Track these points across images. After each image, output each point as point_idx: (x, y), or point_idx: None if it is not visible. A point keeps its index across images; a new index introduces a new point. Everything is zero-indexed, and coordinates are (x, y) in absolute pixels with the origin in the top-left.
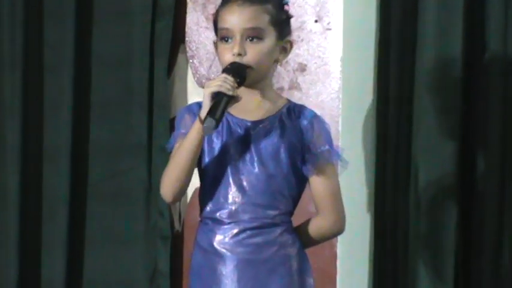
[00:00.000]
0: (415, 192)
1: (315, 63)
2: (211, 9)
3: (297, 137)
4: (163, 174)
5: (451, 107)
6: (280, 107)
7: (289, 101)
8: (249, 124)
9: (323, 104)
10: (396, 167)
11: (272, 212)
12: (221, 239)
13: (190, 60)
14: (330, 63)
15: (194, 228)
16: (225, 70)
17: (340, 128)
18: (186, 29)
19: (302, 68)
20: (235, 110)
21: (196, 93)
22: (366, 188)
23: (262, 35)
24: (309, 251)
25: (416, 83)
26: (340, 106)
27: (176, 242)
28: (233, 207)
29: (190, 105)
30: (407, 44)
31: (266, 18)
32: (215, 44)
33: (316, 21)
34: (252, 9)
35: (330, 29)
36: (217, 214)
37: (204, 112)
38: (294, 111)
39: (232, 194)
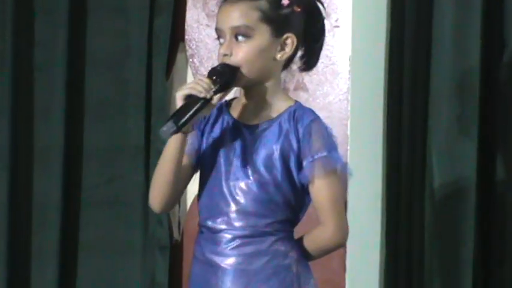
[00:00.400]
0: (430, 198)
1: (322, 62)
2: (213, 5)
3: (293, 144)
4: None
5: (469, 108)
6: (281, 110)
7: (296, 103)
8: (245, 128)
9: (331, 106)
10: (410, 173)
11: (264, 221)
12: (213, 248)
13: (190, 60)
14: (338, 62)
15: (194, 238)
16: (209, 72)
17: (349, 132)
18: (186, 27)
19: None
20: (236, 113)
21: None
22: (377, 196)
23: (250, 33)
24: (316, 262)
25: (432, 84)
26: (349, 108)
27: (175, 252)
28: (225, 215)
29: None
30: (422, 43)
31: (255, 15)
32: None
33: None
34: (240, 7)
35: (338, 26)
36: (210, 222)
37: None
38: (294, 115)
39: (225, 202)
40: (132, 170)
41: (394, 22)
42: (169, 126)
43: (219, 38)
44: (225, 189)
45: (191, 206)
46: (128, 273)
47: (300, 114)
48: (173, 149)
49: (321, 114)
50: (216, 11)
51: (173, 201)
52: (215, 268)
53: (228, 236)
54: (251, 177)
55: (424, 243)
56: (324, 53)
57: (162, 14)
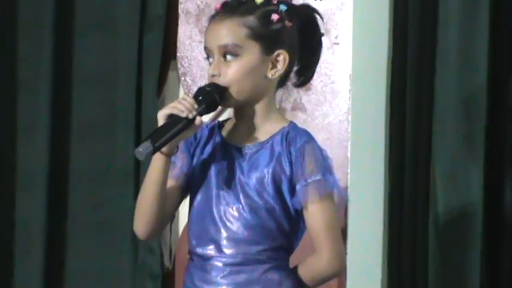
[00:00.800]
0: (434, 225)
1: (321, 81)
2: (206, 21)
3: (286, 167)
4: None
5: (475, 129)
6: (274, 132)
7: (290, 124)
8: (236, 150)
9: (330, 127)
10: (413, 198)
11: (256, 248)
12: (203, 277)
13: (182, 78)
14: (337, 81)
15: (186, 265)
16: (195, 91)
17: (349, 154)
18: (178, 43)
19: (307, 87)
20: (227, 134)
21: None
22: (378, 222)
23: (238, 51)
24: None
25: (436, 104)
26: (350, 129)
27: (167, 281)
28: (216, 242)
29: None
30: (426, 60)
31: (243, 32)
32: None
33: (322, 34)
34: (227, 24)
35: (337, 43)
36: (200, 249)
37: None
38: (287, 137)
39: (215, 228)
40: (121, 194)
41: (396, 38)
42: (145, 146)
43: (208, 57)
44: (216, 215)
45: (183, 232)
46: None
47: (293, 136)
48: (155, 172)
49: (320, 136)
50: None
51: (159, 227)
52: None
53: (218, 263)
54: (242, 202)
55: (428, 272)
56: (323, 71)
57: (153, 29)
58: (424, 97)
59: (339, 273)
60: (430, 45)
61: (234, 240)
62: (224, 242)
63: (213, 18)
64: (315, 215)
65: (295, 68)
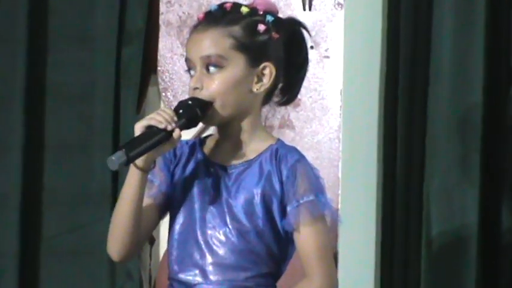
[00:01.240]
0: (427, 249)
1: (311, 97)
2: (188, 33)
3: (276, 187)
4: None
5: (470, 149)
6: (262, 149)
7: (277, 141)
8: (222, 169)
9: (320, 146)
10: (406, 221)
11: (244, 274)
12: None
13: (163, 94)
14: (327, 97)
15: None
16: (176, 105)
17: (340, 174)
18: (158, 57)
19: (295, 103)
20: (210, 152)
21: None
22: (370, 246)
23: (223, 63)
24: None
25: (429, 122)
26: (340, 148)
27: None
28: (200, 268)
29: None
30: (419, 76)
31: (228, 42)
32: None
33: (311, 47)
34: (211, 35)
35: (328, 57)
36: (183, 275)
37: None
38: (277, 155)
39: (199, 253)
40: (98, 217)
41: (389, 52)
42: (118, 155)
43: (189, 69)
44: (200, 239)
45: (164, 256)
46: None
47: (283, 153)
48: (131, 189)
49: (309, 155)
50: None
51: (134, 248)
52: None
53: None
54: (229, 225)
55: None
56: (312, 86)
57: (132, 42)
58: (418, 114)
59: None
60: (424, 60)
61: (220, 265)
62: (210, 268)
63: (196, 28)
64: (307, 237)
65: (279, 85)
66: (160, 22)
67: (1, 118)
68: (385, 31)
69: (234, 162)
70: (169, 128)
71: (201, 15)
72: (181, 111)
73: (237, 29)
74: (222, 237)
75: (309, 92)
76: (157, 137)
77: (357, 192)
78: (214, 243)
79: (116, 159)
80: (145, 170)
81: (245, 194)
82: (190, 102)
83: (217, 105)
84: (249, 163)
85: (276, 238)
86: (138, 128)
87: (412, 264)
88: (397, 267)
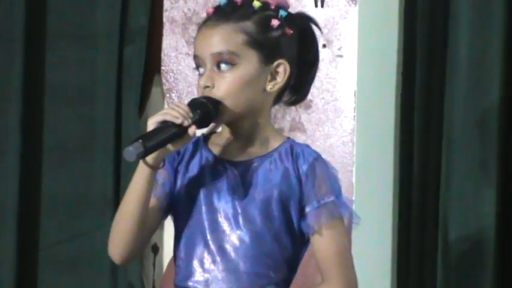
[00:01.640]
0: (444, 255)
1: (323, 98)
2: (193, 31)
3: (294, 185)
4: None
5: (487, 152)
6: (275, 146)
7: (289, 139)
8: (232, 166)
9: (333, 150)
10: (422, 227)
11: (260, 282)
12: None
13: (167, 95)
14: (341, 98)
15: None
16: (188, 103)
17: (354, 180)
18: (162, 56)
19: (306, 105)
20: (217, 149)
21: None
22: (386, 252)
23: (235, 60)
24: None
25: (446, 124)
26: (354, 152)
27: None
28: (210, 275)
29: None
30: (436, 75)
31: (240, 38)
32: None
33: (324, 45)
34: (222, 30)
35: (341, 56)
36: (191, 283)
37: None
38: (293, 152)
39: (210, 258)
40: (99, 224)
41: (406, 51)
42: (136, 146)
43: (197, 67)
44: (211, 243)
45: (168, 266)
46: None
47: (299, 150)
48: (139, 187)
49: None
50: None
51: (138, 251)
52: None
53: None
54: (243, 228)
55: None
56: (324, 87)
57: (134, 41)
58: (435, 116)
59: None
60: (441, 59)
61: (233, 272)
62: (221, 275)
63: (205, 23)
64: (327, 240)
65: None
66: (164, 19)
67: None
68: (401, 29)
69: (246, 158)
70: (185, 123)
71: (210, 10)
72: (194, 107)
73: (249, 24)
74: (236, 241)
75: (321, 93)
76: (173, 131)
77: (371, 198)
78: (226, 248)
79: (133, 150)
80: (155, 168)
81: (260, 192)
82: (204, 100)
83: (228, 104)
84: (262, 159)
85: (293, 242)
86: (152, 123)
87: (429, 272)
88: (413, 276)
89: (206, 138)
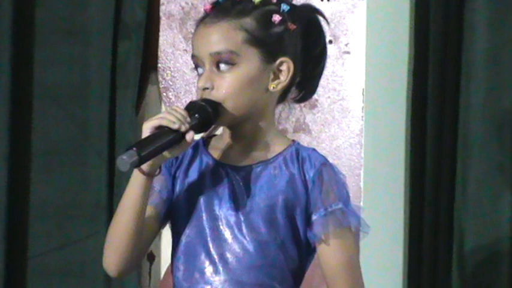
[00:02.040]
0: (459, 264)
1: (329, 97)
2: (192, 26)
3: (300, 192)
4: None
5: (505, 156)
6: (279, 150)
7: (294, 142)
8: (233, 171)
9: (339, 152)
10: (434, 235)
11: None
12: None
13: (164, 93)
14: (348, 97)
15: None
16: (186, 106)
17: (362, 184)
18: (159, 53)
19: (312, 104)
20: (217, 153)
21: None
22: (397, 263)
23: (235, 60)
24: None
25: (460, 125)
26: (363, 155)
27: None
28: (212, 286)
29: None
30: (449, 73)
31: (240, 36)
32: None
33: (330, 41)
34: (220, 28)
35: (348, 52)
36: None
37: None
38: (299, 156)
39: (211, 268)
40: (91, 232)
41: (417, 47)
42: (130, 154)
43: (196, 67)
44: (213, 252)
45: (165, 276)
46: None
47: (305, 155)
48: (134, 196)
49: None
50: None
51: (133, 263)
52: None
53: None
54: (247, 236)
55: None
56: (331, 85)
57: (130, 37)
58: (449, 116)
59: None
60: (455, 55)
61: (236, 283)
62: (223, 286)
63: (203, 21)
64: (334, 250)
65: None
66: (161, 14)
67: None
68: (412, 23)
69: (248, 162)
70: (183, 128)
71: (208, 7)
72: (193, 111)
73: (249, 21)
74: (239, 250)
75: (327, 91)
76: (170, 137)
77: (381, 204)
78: (228, 258)
79: (127, 159)
80: (151, 175)
81: (264, 199)
82: (202, 103)
83: (229, 106)
84: (266, 164)
85: (298, 251)
86: (147, 128)
87: (443, 283)
88: (426, 286)
89: (205, 142)
